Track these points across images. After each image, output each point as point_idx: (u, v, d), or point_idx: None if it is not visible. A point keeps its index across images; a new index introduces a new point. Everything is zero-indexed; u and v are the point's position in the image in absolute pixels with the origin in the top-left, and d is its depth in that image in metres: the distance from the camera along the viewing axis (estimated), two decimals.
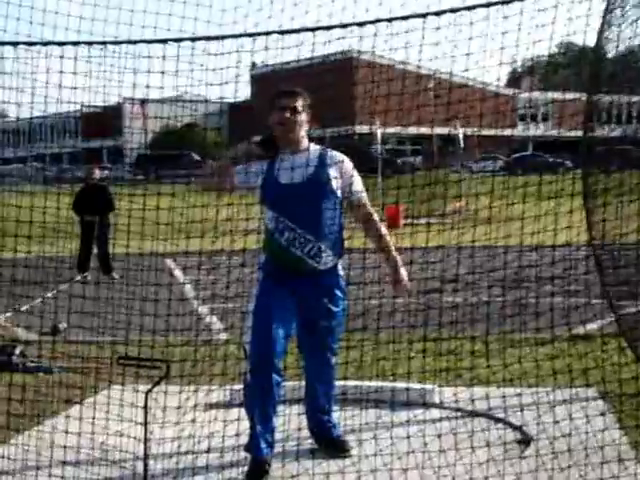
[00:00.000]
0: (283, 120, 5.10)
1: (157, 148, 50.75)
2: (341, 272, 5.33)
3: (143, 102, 6.54)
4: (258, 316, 5.07)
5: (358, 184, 5.29)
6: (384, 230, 5.32)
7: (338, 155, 5.23)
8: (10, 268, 6.48)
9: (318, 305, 5.18)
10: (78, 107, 6.33)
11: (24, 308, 8.91)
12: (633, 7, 5.80)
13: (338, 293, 5.27)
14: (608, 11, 5.89)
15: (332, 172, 5.13)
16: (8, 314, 9.90)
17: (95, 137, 63.00)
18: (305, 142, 5.21)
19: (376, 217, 5.34)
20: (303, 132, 5.18)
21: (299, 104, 5.12)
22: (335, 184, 5.13)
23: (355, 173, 5.29)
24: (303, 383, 5.74)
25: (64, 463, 5.28)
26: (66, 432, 5.48)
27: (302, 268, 5.10)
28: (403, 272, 5.27)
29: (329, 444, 5.45)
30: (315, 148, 5.22)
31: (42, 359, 7.90)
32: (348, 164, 5.25)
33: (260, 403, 5.03)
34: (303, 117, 5.14)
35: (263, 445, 5.06)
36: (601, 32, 5.96)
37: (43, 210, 6.22)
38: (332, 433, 5.49)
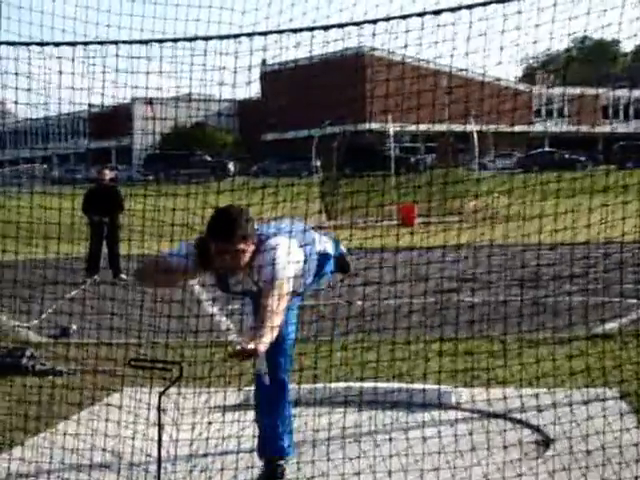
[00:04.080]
0: (226, 265, 4.81)
1: (167, 148, 50.82)
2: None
3: (150, 102, 6.48)
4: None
5: (272, 271, 4.72)
6: (266, 319, 4.55)
7: (267, 255, 4.78)
8: (21, 270, 6.44)
9: None
10: (88, 107, 6.29)
11: (35, 311, 8.88)
12: None
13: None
14: None
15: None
16: (19, 318, 9.87)
17: (104, 138, 63.12)
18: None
19: (269, 307, 4.59)
20: (247, 258, 4.83)
21: (235, 244, 4.72)
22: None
23: (276, 257, 4.74)
24: (318, 386, 5.70)
25: (77, 466, 5.24)
26: (77, 435, 5.44)
27: None
28: (252, 344, 4.37)
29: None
30: (255, 256, 4.83)
31: (52, 361, 7.86)
32: (272, 255, 4.76)
33: (284, 410, 5.12)
34: (243, 253, 4.76)
35: (287, 443, 5.15)
36: None
37: (49, 210, 6.18)
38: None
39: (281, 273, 4.70)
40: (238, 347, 4.32)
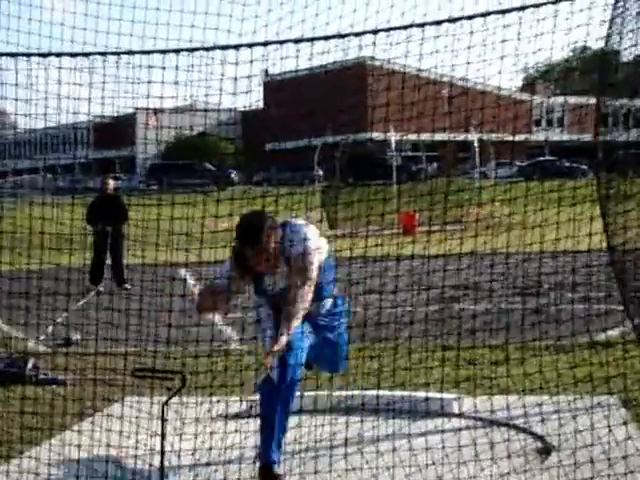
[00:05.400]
0: (258, 267, 5.10)
1: (170, 158, 50.87)
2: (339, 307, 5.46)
3: (155, 112, 6.50)
4: (295, 341, 5.09)
5: (302, 249, 5.06)
6: (293, 306, 4.97)
7: (295, 234, 5.09)
8: (25, 280, 6.44)
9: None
10: (91, 118, 6.31)
11: (41, 322, 8.88)
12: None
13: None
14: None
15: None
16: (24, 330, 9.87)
17: (107, 148, 63.17)
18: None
19: (299, 292, 4.99)
20: (276, 246, 5.08)
21: (262, 246, 5.00)
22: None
23: (306, 238, 5.08)
24: (320, 393, 5.69)
25: (79, 476, 5.24)
26: (79, 445, 5.43)
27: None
28: (282, 340, 4.85)
29: None
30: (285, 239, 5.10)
31: (55, 371, 7.85)
32: (300, 234, 5.10)
33: (283, 415, 5.06)
34: (270, 252, 5.03)
35: (277, 454, 5.06)
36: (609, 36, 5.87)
37: (56, 221, 6.19)
38: None
39: (311, 249, 5.02)
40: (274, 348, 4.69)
